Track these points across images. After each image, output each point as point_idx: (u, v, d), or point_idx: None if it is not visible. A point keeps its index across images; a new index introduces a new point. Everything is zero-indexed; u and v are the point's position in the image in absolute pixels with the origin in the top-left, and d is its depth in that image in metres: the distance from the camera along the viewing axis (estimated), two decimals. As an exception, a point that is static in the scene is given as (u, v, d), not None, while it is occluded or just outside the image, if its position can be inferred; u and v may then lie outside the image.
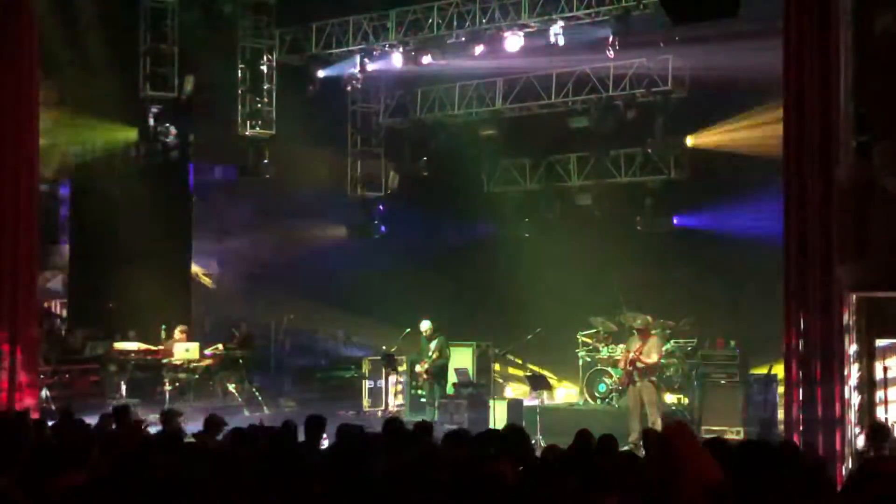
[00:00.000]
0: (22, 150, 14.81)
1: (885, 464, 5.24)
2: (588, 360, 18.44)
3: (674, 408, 16.78)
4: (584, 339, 18.85)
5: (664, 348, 16.83)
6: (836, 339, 11.67)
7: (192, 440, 9.53)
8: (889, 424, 11.39)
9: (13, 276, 14.65)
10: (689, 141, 19.84)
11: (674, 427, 3.92)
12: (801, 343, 11.99)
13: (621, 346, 17.49)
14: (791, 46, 12.09)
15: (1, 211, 14.59)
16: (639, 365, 15.89)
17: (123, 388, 17.99)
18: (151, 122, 19.95)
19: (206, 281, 23.28)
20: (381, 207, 23.59)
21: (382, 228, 23.38)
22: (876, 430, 10.24)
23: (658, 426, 14.78)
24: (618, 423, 14.78)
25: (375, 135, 23.49)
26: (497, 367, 19.87)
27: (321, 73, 21.00)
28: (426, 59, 19.54)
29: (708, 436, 12.98)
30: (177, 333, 19.12)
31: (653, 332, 16.41)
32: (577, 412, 17.48)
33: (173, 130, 20.36)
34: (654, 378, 15.96)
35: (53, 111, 19.69)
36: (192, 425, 11.35)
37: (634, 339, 16.25)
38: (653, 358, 15.91)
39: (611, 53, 17.71)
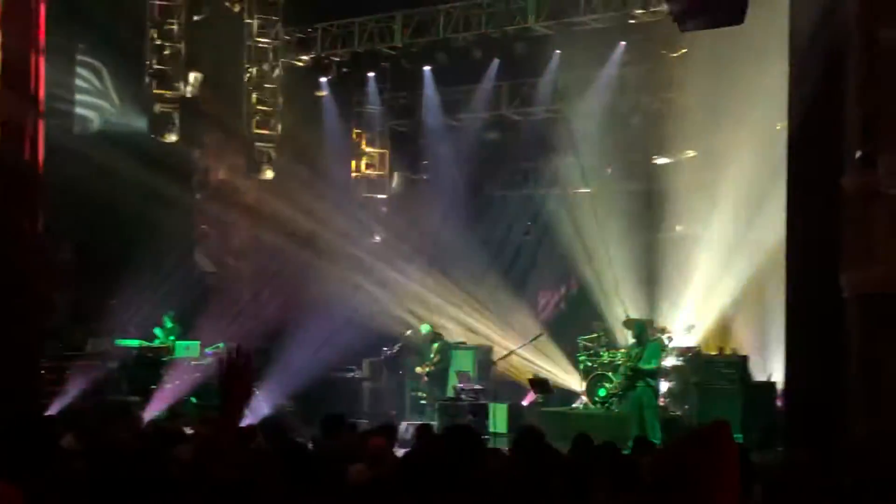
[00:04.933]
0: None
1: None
2: (589, 364, 18.41)
3: (672, 413, 16.78)
4: (586, 343, 18.83)
5: (664, 353, 16.85)
6: (837, 347, 11.69)
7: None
8: None
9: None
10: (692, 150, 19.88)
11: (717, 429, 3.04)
12: (803, 350, 12.03)
13: (622, 350, 17.49)
14: (796, 54, 12.15)
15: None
16: (638, 370, 15.90)
17: (124, 385, 17.95)
18: (157, 121, 19.97)
19: (210, 280, 23.22)
20: (383, 209, 23.67)
21: (380, 235, 23.47)
22: None
23: (656, 431, 14.83)
24: (617, 428, 14.82)
25: (380, 136, 23.51)
26: (498, 370, 19.84)
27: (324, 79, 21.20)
28: (431, 63, 19.65)
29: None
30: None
31: (653, 337, 16.44)
32: (578, 416, 17.47)
33: (178, 130, 20.33)
34: (653, 383, 15.97)
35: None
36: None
37: (635, 345, 16.27)
38: (652, 363, 15.92)
39: (617, 58, 17.78)
